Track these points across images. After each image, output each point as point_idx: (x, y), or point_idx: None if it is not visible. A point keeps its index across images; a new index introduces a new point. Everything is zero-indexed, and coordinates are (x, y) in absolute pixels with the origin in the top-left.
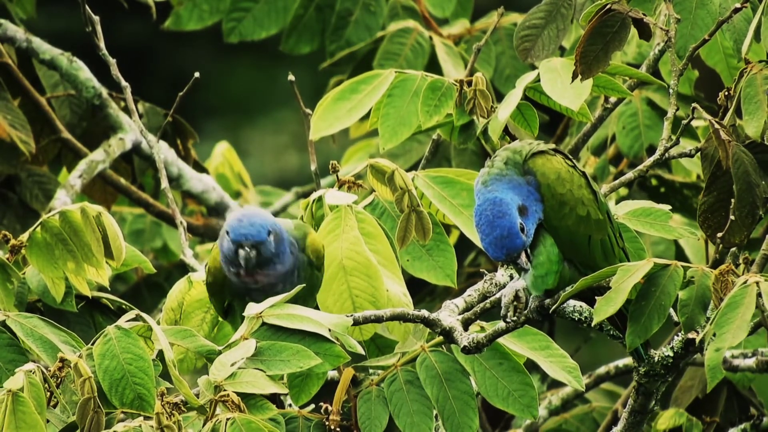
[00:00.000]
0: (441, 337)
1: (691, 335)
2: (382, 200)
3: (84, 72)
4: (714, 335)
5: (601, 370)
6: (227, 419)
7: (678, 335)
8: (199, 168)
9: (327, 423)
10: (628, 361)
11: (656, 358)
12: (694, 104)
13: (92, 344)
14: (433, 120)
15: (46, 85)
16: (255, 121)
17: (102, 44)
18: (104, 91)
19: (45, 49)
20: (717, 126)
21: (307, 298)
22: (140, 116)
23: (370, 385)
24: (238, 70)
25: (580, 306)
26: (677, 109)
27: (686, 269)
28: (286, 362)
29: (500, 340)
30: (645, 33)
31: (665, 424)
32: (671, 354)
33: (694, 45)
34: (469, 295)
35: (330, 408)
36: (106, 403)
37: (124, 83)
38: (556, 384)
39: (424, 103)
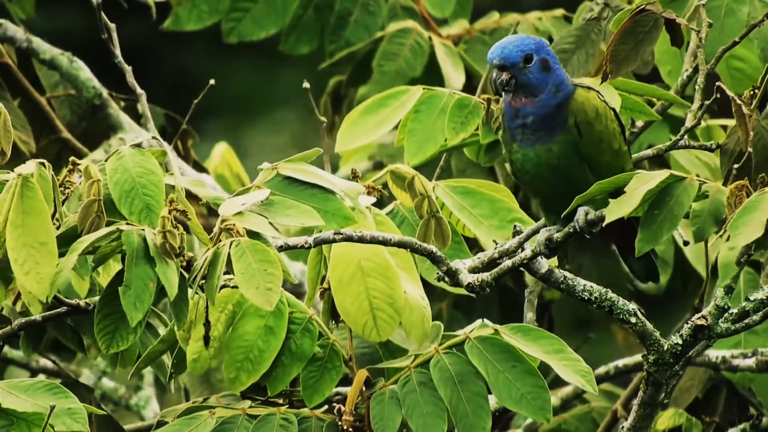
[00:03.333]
0: (454, 340)
1: (699, 321)
2: (402, 209)
3: (84, 72)
4: (728, 238)
5: (601, 370)
6: (231, 242)
7: (687, 323)
8: (199, 168)
9: (340, 423)
10: (627, 361)
11: (665, 346)
12: (718, 83)
13: (105, 161)
14: (460, 137)
15: (46, 85)
16: (255, 121)
17: (118, 51)
18: (104, 91)
19: (45, 49)
20: (739, 102)
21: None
22: (140, 116)
23: (383, 386)
24: (238, 70)
25: (591, 286)
26: (701, 105)
27: (701, 183)
28: (291, 217)
29: (514, 342)
30: (677, 39)
31: (665, 424)
32: (680, 342)
33: (722, 47)
34: (478, 258)
35: (343, 409)
36: (117, 216)
37: (139, 90)
38: (555, 384)
39: (451, 120)
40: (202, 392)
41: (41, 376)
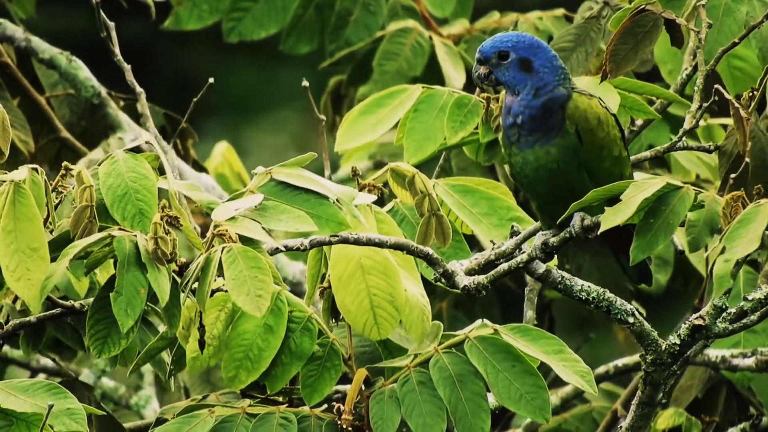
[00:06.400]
0: (453, 340)
1: (697, 321)
2: (402, 207)
3: (83, 71)
4: (723, 249)
5: (601, 369)
6: (223, 248)
7: (684, 323)
8: (198, 167)
9: (339, 423)
10: (627, 360)
11: (663, 346)
12: (716, 86)
13: (98, 166)
14: (459, 136)
15: (45, 84)
16: (255, 121)
17: (117, 50)
18: (103, 91)
19: (44, 48)
20: (737, 105)
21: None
22: (139, 116)
23: (382, 385)
24: (238, 70)
25: (588, 286)
26: (700, 106)
27: (698, 193)
28: (285, 223)
29: (513, 342)
30: (677, 39)
31: (665, 424)
32: (678, 342)
33: (722, 48)
34: (475, 258)
35: (342, 408)
36: (110, 221)
37: (139, 89)
38: (555, 384)
39: (450, 119)
40: (202, 391)
41: (41, 376)
